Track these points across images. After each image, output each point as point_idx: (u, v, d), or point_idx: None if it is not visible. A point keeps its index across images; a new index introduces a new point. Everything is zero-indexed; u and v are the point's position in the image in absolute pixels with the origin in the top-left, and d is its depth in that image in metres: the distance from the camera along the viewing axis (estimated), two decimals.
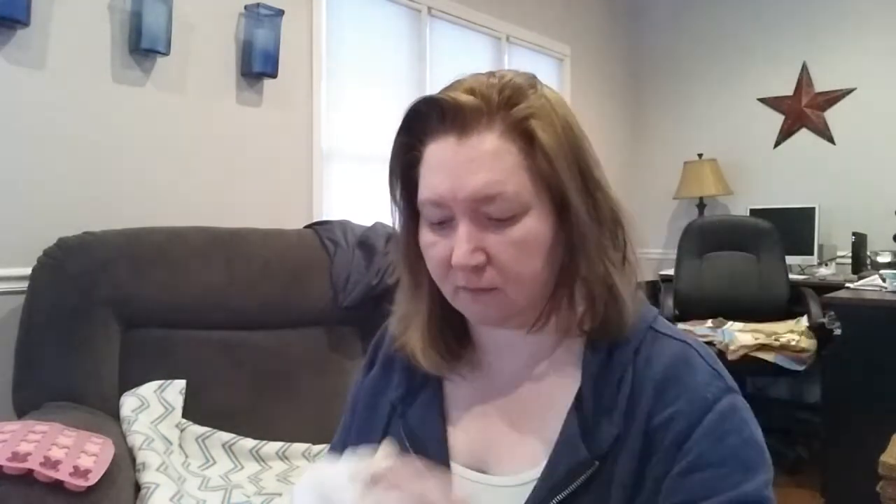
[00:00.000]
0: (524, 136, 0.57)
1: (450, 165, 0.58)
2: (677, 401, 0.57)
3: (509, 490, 0.61)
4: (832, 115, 3.51)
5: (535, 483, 0.59)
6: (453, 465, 0.65)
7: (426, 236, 0.62)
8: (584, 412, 0.59)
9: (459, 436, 0.67)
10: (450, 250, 0.58)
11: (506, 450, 0.64)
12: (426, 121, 0.59)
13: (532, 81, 0.61)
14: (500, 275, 0.58)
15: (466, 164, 0.57)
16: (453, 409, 0.69)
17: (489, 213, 0.57)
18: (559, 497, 0.57)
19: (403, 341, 0.70)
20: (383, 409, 0.72)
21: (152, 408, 1.55)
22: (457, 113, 0.57)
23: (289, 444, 1.70)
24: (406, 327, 0.70)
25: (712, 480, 0.54)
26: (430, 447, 0.66)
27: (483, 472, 0.64)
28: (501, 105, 0.58)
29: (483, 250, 0.58)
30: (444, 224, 0.60)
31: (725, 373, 0.61)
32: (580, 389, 0.61)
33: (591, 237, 0.59)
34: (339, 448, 0.77)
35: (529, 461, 0.61)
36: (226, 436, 1.64)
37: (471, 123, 0.57)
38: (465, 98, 0.57)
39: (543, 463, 0.59)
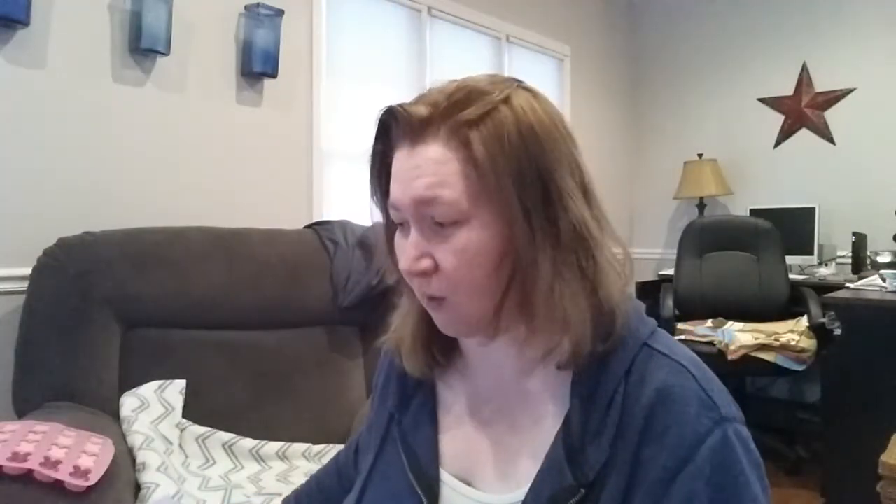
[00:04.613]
0: (465, 144, 0.57)
1: (401, 172, 0.59)
2: (666, 433, 0.54)
3: None
4: (832, 115, 3.51)
5: None
6: (443, 472, 0.64)
7: (397, 239, 0.64)
8: (572, 436, 0.57)
9: (449, 443, 0.66)
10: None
11: (492, 465, 0.63)
12: (391, 130, 0.61)
13: (497, 84, 0.59)
14: (447, 284, 0.58)
15: (414, 170, 0.58)
16: (445, 415, 0.68)
17: (434, 218, 0.58)
18: None
19: (398, 338, 0.70)
20: (383, 417, 0.72)
21: (152, 408, 1.55)
22: (408, 123, 0.58)
23: (289, 444, 1.70)
24: (403, 325, 0.70)
25: None
26: (421, 454, 0.65)
27: (470, 484, 0.63)
28: (448, 112, 0.57)
29: (430, 257, 0.58)
30: (405, 227, 0.61)
31: (722, 397, 0.57)
32: (568, 412, 0.58)
33: (530, 255, 0.56)
34: (353, 444, 0.79)
35: (515, 481, 0.60)
36: (226, 436, 1.64)
37: (420, 132, 0.58)
38: (414, 109, 0.58)
39: (528, 485, 0.58)
